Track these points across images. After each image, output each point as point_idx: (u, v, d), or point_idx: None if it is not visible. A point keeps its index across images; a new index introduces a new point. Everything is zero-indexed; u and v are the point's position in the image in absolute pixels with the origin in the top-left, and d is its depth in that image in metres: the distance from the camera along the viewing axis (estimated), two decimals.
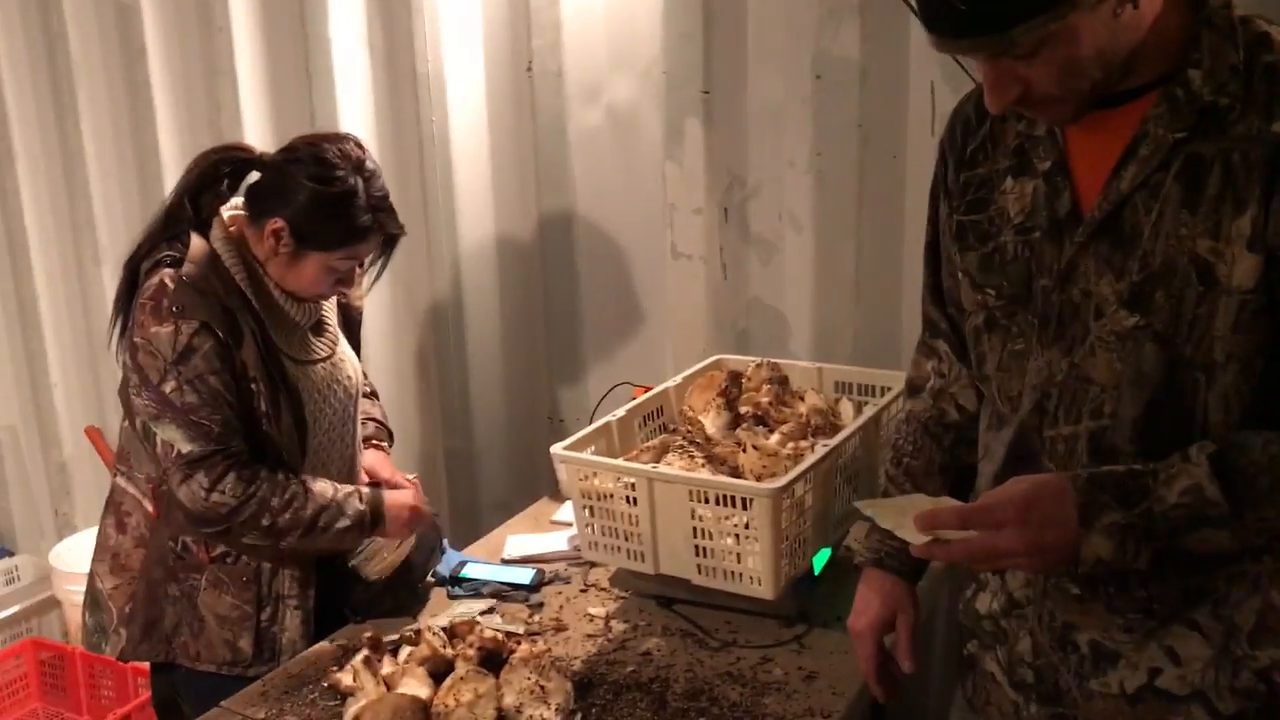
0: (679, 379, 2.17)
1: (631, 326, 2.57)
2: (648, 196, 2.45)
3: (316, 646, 1.87)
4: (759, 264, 2.38)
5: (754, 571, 1.74)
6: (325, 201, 1.79)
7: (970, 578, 1.44)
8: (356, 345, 2.08)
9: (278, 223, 1.80)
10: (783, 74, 2.23)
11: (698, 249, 2.41)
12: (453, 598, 2.01)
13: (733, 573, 1.76)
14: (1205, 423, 1.16)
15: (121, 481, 1.92)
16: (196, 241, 1.81)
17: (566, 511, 2.24)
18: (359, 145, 1.86)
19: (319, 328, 1.96)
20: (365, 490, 1.92)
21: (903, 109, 2.13)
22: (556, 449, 1.88)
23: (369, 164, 1.84)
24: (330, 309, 2.00)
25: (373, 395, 2.23)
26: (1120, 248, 1.17)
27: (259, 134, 2.77)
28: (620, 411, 2.02)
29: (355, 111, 2.65)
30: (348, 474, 2.03)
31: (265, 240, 1.81)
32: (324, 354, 1.94)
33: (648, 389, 2.27)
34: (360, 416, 2.06)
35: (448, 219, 2.62)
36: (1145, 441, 1.18)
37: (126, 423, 1.90)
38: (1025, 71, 1.10)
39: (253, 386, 1.80)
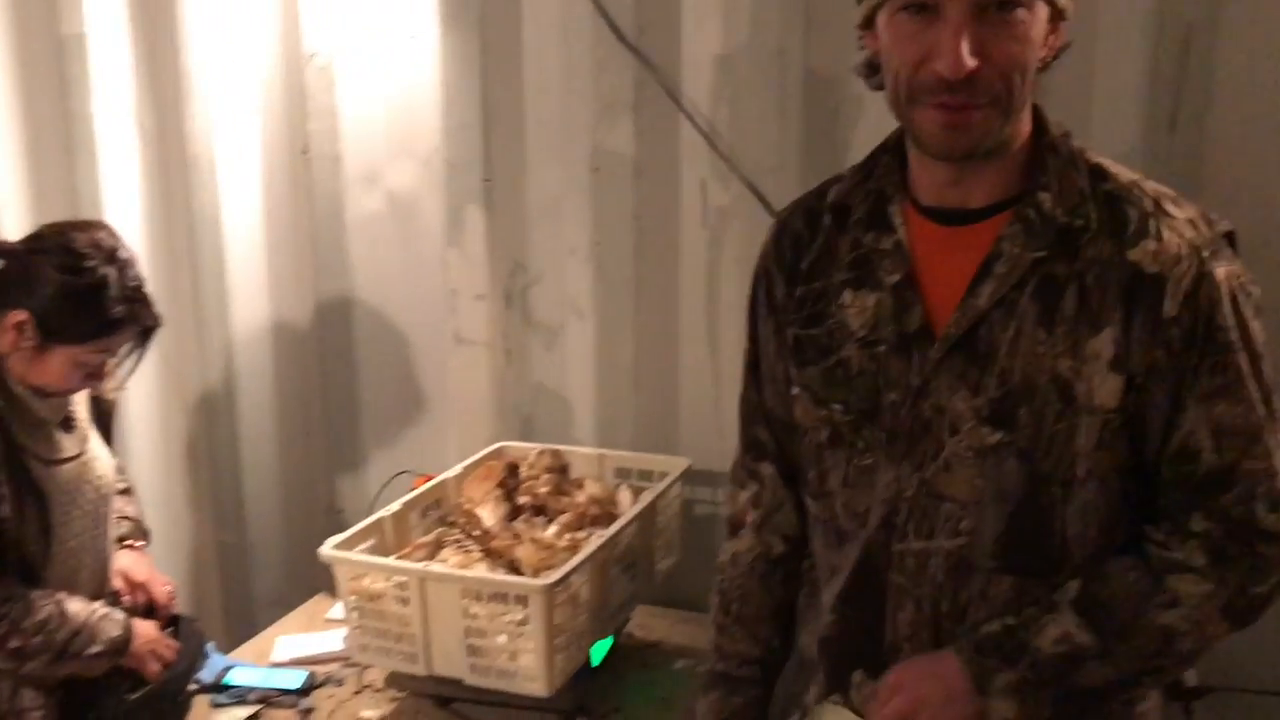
0: (459, 469, 2.14)
1: (414, 413, 2.53)
2: (429, 282, 2.43)
3: None
4: (542, 350, 2.39)
5: (528, 669, 1.71)
6: (74, 293, 1.69)
7: None
8: (109, 440, 1.97)
9: (21, 315, 1.69)
10: (561, 165, 2.26)
11: (480, 335, 2.40)
12: (216, 706, 1.90)
13: (506, 671, 1.73)
14: (1064, 537, 1.19)
15: None
16: None
17: (342, 609, 2.16)
18: (112, 234, 1.77)
19: (67, 424, 1.84)
20: (120, 615, 1.81)
21: (675, 203, 2.19)
22: (325, 549, 1.82)
23: (122, 253, 1.76)
24: (80, 403, 1.89)
25: (127, 492, 2.11)
26: (975, 364, 1.17)
27: (16, 215, 2.60)
28: (395, 506, 1.98)
29: (122, 192, 2.54)
30: (100, 578, 1.90)
31: (6, 333, 1.70)
32: (73, 453, 1.82)
33: (429, 478, 2.23)
34: (114, 516, 1.94)
35: (219, 304, 2.52)
36: (1006, 557, 1.19)
37: None
38: (991, 44, 1.08)
39: None
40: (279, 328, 2.57)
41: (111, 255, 1.73)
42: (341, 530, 2.34)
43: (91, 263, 1.70)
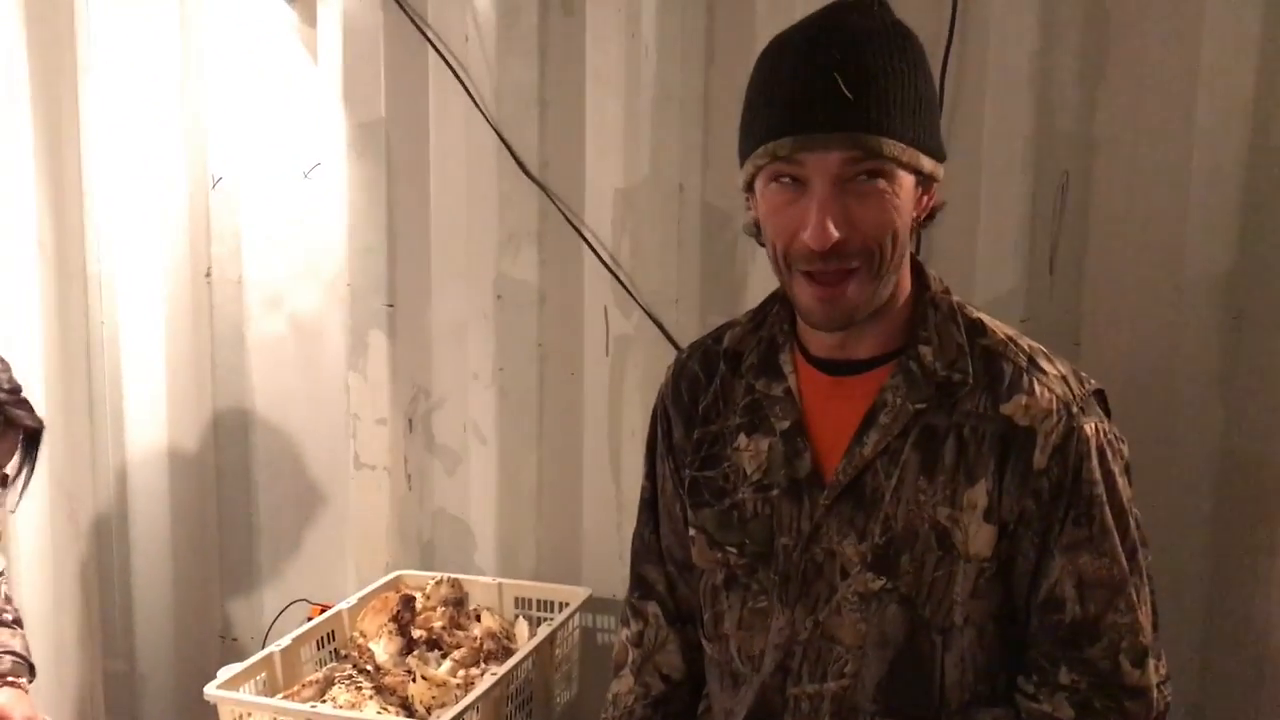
0: (354, 600, 2.10)
1: (311, 539, 2.48)
2: (330, 406, 2.42)
3: None
4: (444, 475, 2.37)
5: None
6: None
7: None
8: None
9: None
10: (465, 292, 2.28)
11: (381, 459, 2.38)
12: None
13: None
14: (943, 684, 1.20)
15: None
16: None
17: None
18: None
19: None
20: None
21: (579, 330, 2.22)
22: (209, 688, 1.76)
23: None
24: None
25: (15, 624, 2.02)
26: (862, 510, 1.20)
27: None
28: (285, 641, 1.93)
29: (18, 309, 2.48)
30: None
31: None
32: None
33: (324, 607, 2.18)
34: None
35: (115, 424, 2.47)
36: (886, 700, 1.21)
37: None
38: (857, 213, 1.11)
39: None
40: (176, 449, 2.52)
41: None
42: (235, 659, 2.29)
43: None
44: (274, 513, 2.50)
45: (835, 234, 1.11)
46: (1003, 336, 1.24)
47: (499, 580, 2.20)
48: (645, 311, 2.14)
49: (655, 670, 1.42)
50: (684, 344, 2.11)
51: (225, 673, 2.15)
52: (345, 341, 2.38)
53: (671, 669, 1.42)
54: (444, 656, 1.93)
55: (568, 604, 2.10)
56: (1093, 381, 1.24)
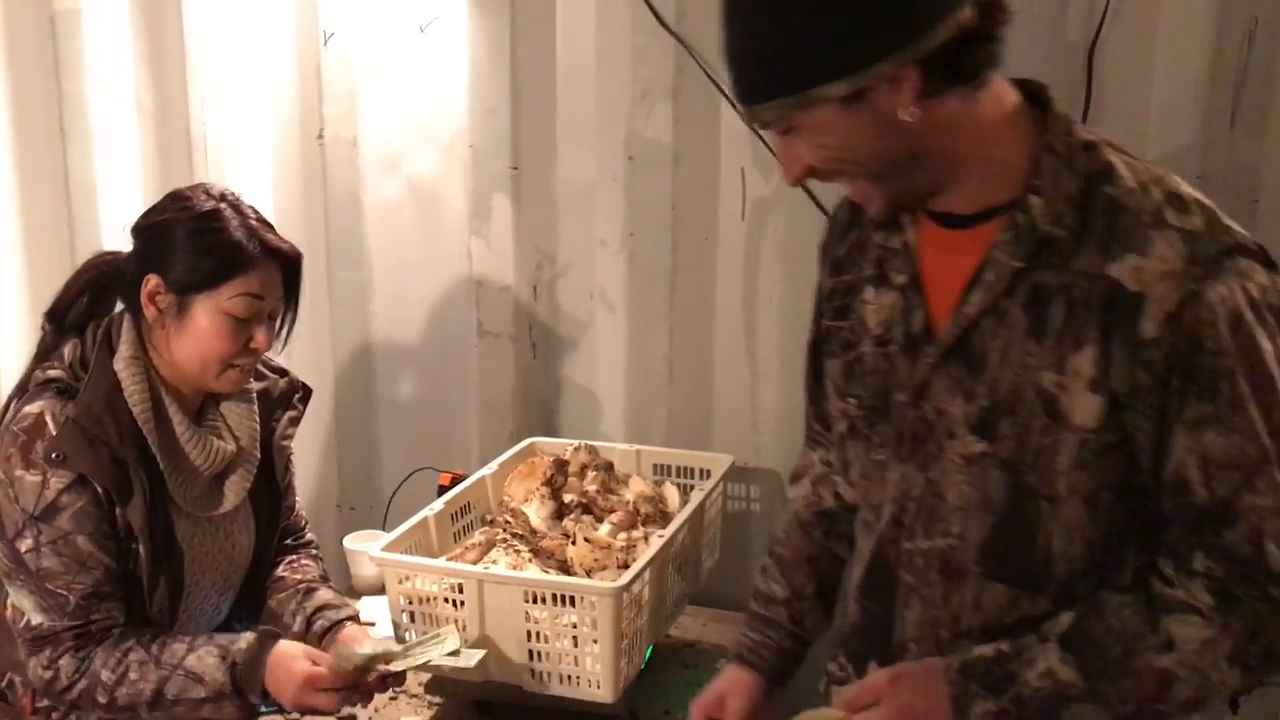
0: (495, 466, 2.07)
1: (433, 407, 2.44)
2: (451, 272, 2.35)
3: None
4: (569, 343, 2.32)
5: (594, 674, 1.65)
6: (193, 230, 1.55)
7: None
8: (278, 498, 1.81)
9: (151, 279, 1.55)
10: (594, 153, 2.19)
11: (505, 327, 2.33)
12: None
13: (570, 676, 1.67)
14: (1049, 550, 1.15)
15: None
16: (101, 366, 1.56)
17: (364, 609, 2.07)
18: (222, 188, 1.65)
19: (221, 480, 1.67)
20: (238, 647, 1.56)
21: (714, 192, 2.14)
22: (374, 552, 1.74)
23: (231, 195, 1.62)
24: (240, 472, 1.70)
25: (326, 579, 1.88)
26: (970, 371, 1.15)
27: (3, 198, 2.47)
28: (438, 505, 1.90)
29: (118, 173, 2.40)
30: None
31: (147, 307, 1.55)
32: (226, 505, 1.67)
33: (452, 474, 2.16)
34: (322, 608, 1.77)
35: None
36: (990, 564, 1.17)
37: None
38: (800, 151, 1.11)
39: (134, 548, 1.55)
40: None
41: (223, 195, 1.61)
42: (355, 528, 2.29)
43: (200, 199, 1.58)
44: (392, 382, 2.46)
45: (792, 174, 1.14)
46: (1134, 184, 1.11)
47: (637, 447, 2.17)
48: None
49: (832, 486, 1.44)
50: (830, 207, 2.04)
51: (355, 539, 2.16)
52: (467, 206, 2.30)
53: (847, 493, 1.41)
54: (598, 521, 1.90)
55: (709, 471, 2.07)
56: (1242, 233, 1.10)
